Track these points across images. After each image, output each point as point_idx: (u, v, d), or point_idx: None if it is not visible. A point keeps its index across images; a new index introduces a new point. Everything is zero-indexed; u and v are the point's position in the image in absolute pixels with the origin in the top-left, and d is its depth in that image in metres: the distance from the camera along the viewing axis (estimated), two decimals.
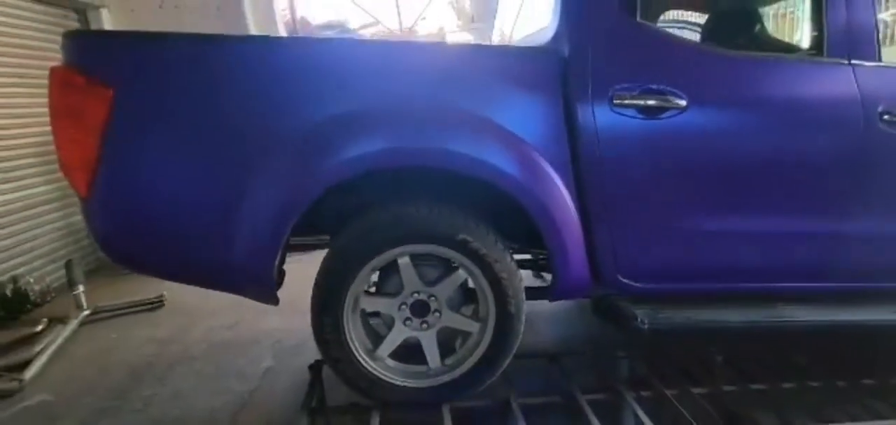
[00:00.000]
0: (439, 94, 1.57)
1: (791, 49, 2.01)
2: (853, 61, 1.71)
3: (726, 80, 1.67)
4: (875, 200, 1.74)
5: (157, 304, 3.21)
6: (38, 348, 2.71)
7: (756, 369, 2.09)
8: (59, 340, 2.80)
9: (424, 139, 1.53)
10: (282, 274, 1.81)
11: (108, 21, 3.85)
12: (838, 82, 1.69)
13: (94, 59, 1.47)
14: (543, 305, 2.12)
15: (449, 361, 1.77)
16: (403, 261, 1.66)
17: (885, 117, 1.69)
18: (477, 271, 1.66)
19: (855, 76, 1.70)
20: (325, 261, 1.63)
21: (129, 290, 3.39)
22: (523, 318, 1.74)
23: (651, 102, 1.62)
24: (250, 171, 1.50)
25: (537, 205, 1.60)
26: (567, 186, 1.65)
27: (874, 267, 1.80)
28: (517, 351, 1.80)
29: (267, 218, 1.51)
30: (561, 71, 1.63)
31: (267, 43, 1.59)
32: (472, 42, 5.92)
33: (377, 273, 1.73)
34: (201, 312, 3.11)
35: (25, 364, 2.57)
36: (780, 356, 2.26)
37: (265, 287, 1.58)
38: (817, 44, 1.76)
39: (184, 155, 1.50)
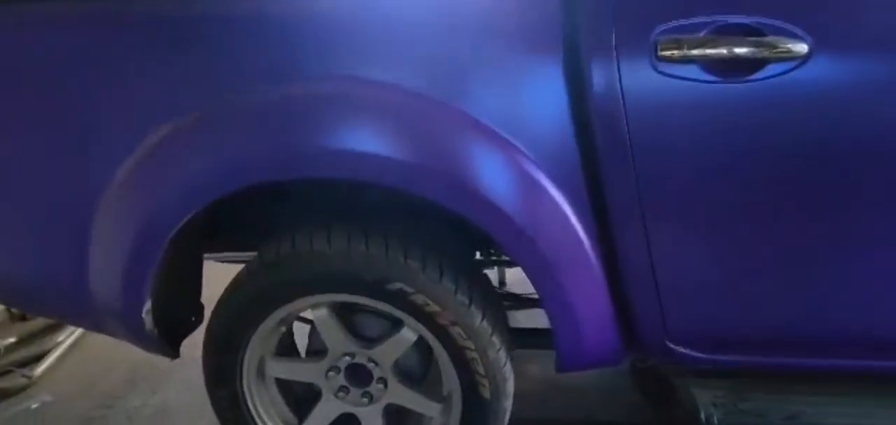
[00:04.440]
0: (350, 64, 0.94)
1: None
2: None
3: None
4: None
5: None
6: (59, 338, 2.60)
7: None
8: (79, 331, 2.69)
9: (314, 138, 0.92)
10: (200, 309, 1.34)
11: None
12: None
13: None
14: None
15: None
16: (319, 315, 1.08)
17: None
18: (428, 334, 1.04)
19: None
20: (213, 314, 1.11)
21: None
22: (508, 400, 1.09)
23: (735, 51, 0.83)
24: (92, 174, 1.02)
25: (519, 247, 0.93)
26: (576, 206, 0.94)
27: None
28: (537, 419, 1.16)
29: (128, 236, 1.02)
30: (562, 7, 0.91)
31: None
32: None
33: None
34: None
35: (42, 356, 2.47)
36: None
37: (134, 330, 1.10)
38: None
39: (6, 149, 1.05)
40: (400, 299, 0.99)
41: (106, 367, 2.39)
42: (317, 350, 1.16)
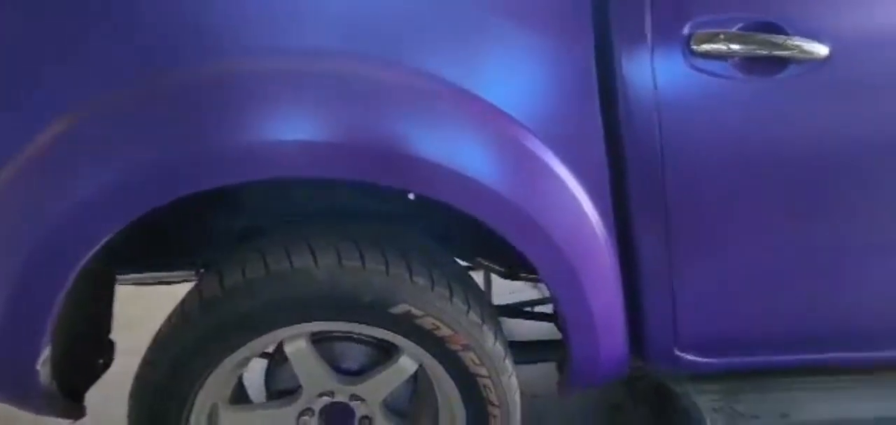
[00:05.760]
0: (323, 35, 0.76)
1: None
2: None
3: None
4: None
5: None
6: None
7: None
8: None
9: (276, 128, 0.73)
10: (109, 347, 1.03)
11: None
12: None
13: None
14: None
15: None
16: (295, 349, 0.86)
17: None
18: (433, 362, 0.88)
19: None
20: (148, 361, 0.84)
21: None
22: None
23: (764, 51, 0.81)
24: None
25: (542, 247, 0.82)
26: (599, 206, 0.86)
27: None
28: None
29: (17, 266, 0.73)
30: None
31: None
32: None
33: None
34: None
35: None
36: None
37: (20, 389, 0.80)
38: None
39: None
40: (404, 323, 0.83)
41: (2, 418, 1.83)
42: (282, 390, 0.94)
